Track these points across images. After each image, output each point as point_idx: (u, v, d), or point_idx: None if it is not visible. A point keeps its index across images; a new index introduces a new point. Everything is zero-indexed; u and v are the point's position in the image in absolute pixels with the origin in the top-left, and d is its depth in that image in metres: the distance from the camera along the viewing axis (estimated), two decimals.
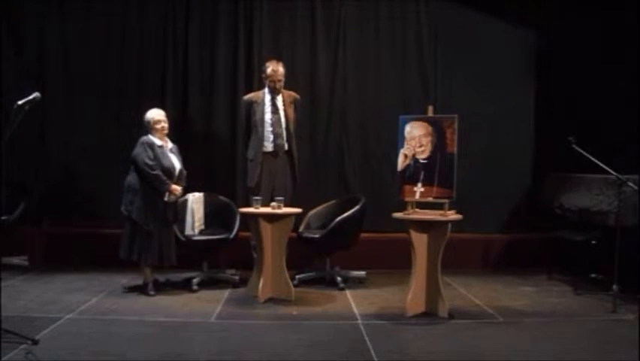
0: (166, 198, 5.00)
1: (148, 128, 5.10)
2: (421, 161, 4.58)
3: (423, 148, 4.59)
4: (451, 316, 4.48)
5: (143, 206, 4.94)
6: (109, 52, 6.43)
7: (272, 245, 4.90)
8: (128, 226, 5.01)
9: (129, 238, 5.00)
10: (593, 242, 5.24)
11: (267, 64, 5.55)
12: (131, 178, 5.00)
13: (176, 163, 5.14)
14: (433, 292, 4.51)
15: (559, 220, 5.80)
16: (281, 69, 5.47)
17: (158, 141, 5.07)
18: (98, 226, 6.19)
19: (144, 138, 5.04)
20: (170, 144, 5.21)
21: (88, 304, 4.72)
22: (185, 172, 5.23)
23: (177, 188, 5.05)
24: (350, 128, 6.55)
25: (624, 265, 4.57)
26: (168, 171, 5.02)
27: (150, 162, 4.92)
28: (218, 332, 4.13)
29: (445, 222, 4.44)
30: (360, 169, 6.55)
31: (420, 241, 4.48)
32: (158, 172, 4.94)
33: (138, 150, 4.97)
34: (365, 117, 6.56)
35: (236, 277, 5.55)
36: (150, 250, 4.97)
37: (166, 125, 5.14)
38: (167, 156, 5.09)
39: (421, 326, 4.32)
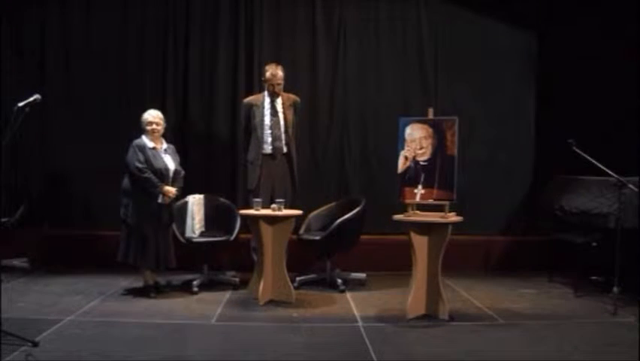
0: (160, 200, 4.98)
1: (142, 129, 5.10)
2: (422, 163, 4.57)
3: (423, 150, 4.58)
4: (452, 318, 4.48)
5: (137, 209, 4.94)
6: (109, 53, 6.43)
7: (272, 247, 4.90)
8: (124, 230, 5.01)
9: (125, 241, 4.99)
10: (594, 244, 5.23)
11: (266, 67, 5.57)
12: (126, 182, 5.00)
13: (170, 164, 5.11)
14: (433, 295, 4.50)
15: (559, 222, 5.78)
16: (280, 73, 5.49)
17: (150, 143, 5.06)
18: (99, 228, 6.19)
19: (136, 141, 5.03)
20: (164, 145, 5.19)
21: (88, 307, 4.72)
22: (182, 172, 5.21)
23: (171, 189, 5.03)
24: (350, 129, 6.55)
25: (625, 267, 4.57)
26: (160, 173, 4.99)
27: (140, 165, 4.91)
28: (218, 334, 4.14)
29: (446, 225, 4.43)
30: (361, 171, 6.54)
31: (420, 243, 4.48)
32: (148, 175, 4.92)
33: (129, 154, 4.97)
34: (365, 119, 6.56)
35: (237, 279, 5.54)
36: (146, 254, 4.96)
37: (158, 127, 5.10)
38: (160, 158, 5.07)
39: (422, 328, 4.32)
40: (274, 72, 5.48)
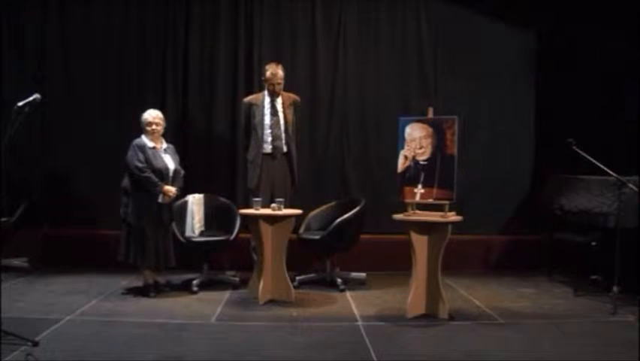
0: (160, 200, 4.98)
1: (142, 129, 5.11)
2: (422, 162, 4.58)
3: (423, 150, 4.58)
4: (452, 317, 4.48)
5: (137, 209, 4.94)
6: (109, 52, 6.43)
7: (272, 247, 4.90)
8: (124, 229, 5.01)
9: (125, 241, 4.99)
10: (594, 243, 5.24)
11: (267, 67, 5.58)
12: (126, 181, 5.00)
13: (170, 164, 5.12)
14: (433, 294, 4.51)
15: (559, 222, 5.80)
16: (280, 72, 5.49)
17: (150, 143, 5.06)
18: (98, 227, 6.19)
19: (136, 141, 5.03)
20: (164, 145, 5.19)
21: (88, 306, 4.72)
22: (182, 172, 5.21)
23: (171, 189, 5.03)
24: (350, 129, 6.55)
25: (624, 267, 4.57)
26: (160, 173, 4.99)
27: (140, 165, 4.91)
28: (218, 334, 4.13)
29: (446, 224, 4.43)
30: (361, 170, 6.55)
31: (420, 243, 4.48)
32: (148, 174, 4.92)
33: (129, 154, 4.97)
34: (365, 118, 6.56)
35: (237, 279, 5.55)
36: (146, 253, 4.96)
37: (158, 127, 5.11)
38: (160, 158, 5.07)
39: (421, 327, 4.32)
40: (274, 71, 5.48)
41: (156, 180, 4.95)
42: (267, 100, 5.54)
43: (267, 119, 5.50)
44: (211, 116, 6.47)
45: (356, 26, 6.54)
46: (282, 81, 5.52)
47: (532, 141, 6.65)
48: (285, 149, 5.55)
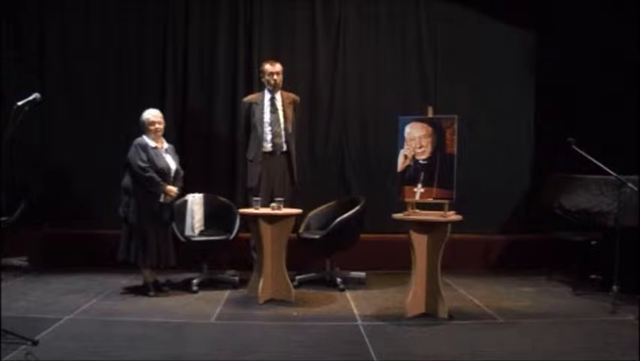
0: (161, 200, 4.99)
1: (143, 128, 5.10)
2: (421, 162, 4.58)
3: (423, 149, 4.58)
4: (451, 317, 4.48)
5: (138, 208, 4.94)
6: (109, 52, 6.43)
7: (272, 246, 4.90)
8: (124, 228, 5.01)
9: (126, 240, 4.99)
10: (593, 243, 5.24)
11: (263, 62, 5.63)
12: (127, 180, 5.00)
13: (172, 164, 5.13)
14: (432, 293, 4.51)
15: (559, 221, 5.79)
16: (278, 64, 5.54)
17: (152, 142, 5.06)
18: (98, 227, 6.19)
19: (138, 140, 5.03)
20: (165, 145, 5.20)
21: (88, 305, 4.72)
22: (182, 172, 5.22)
23: (172, 189, 5.04)
24: (350, 128, 6.55)
25: (624, 266, 4.57)
26: (162, 173, 5.00)
27: (143, 164, 4.91)
28: (218, 333, 4.14)
29: (445, 223, 4.43)
30: (360, 170, 6.55)
31: (420, 242, 4.48)
32: (151, 174, 4.93)
33: (131, 153, 4.96)
34: (365, 117, 6.56)
35: (236, 278, 5.55)
36: (147, 252, 4.96)
37: (160, 126, 5.12)
38: (162, 157, 5.07)
39: (421, 326, 4.32)
40: (272, 63, 5.54)
41: (159, 179, 4.96)
42: (267, 97, 5.55)
43: (267, 117, 5.51)
44: (211, 116, 6.47)
45: (356, 26, 6.54)
46: (281, 73, 5.53)
47: (532, 141, 6.65)
48: (284, 147, 5.55)
